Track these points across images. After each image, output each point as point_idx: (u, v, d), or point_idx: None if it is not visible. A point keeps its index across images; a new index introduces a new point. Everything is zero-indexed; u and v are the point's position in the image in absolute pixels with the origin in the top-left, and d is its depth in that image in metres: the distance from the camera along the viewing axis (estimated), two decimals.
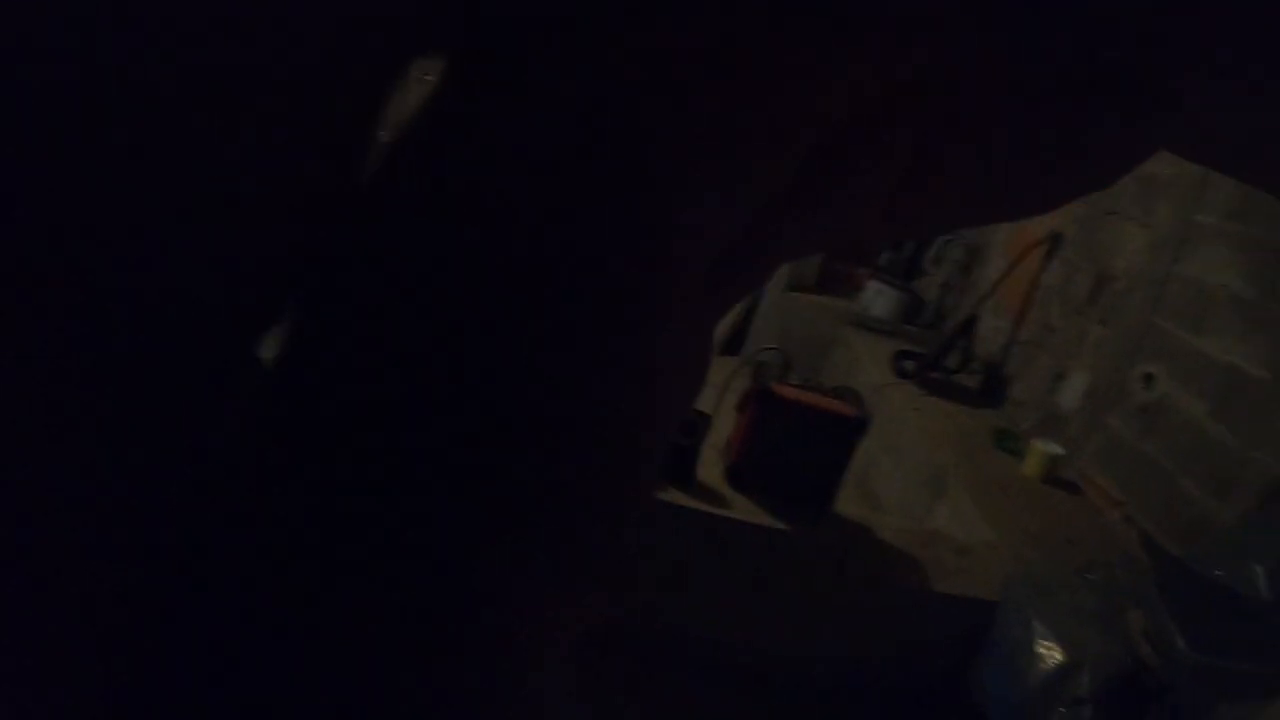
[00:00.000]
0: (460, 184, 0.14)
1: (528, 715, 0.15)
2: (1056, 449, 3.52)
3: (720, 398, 2.51)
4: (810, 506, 2.55)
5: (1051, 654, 2.16)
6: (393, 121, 0.15)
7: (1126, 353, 3.60)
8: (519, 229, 0.14)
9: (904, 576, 2.51)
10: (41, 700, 0.13)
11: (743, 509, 2.46)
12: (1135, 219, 3.76)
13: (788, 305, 5.15)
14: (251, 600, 0.13)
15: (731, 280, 0.17)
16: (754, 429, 2.47)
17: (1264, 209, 3.15)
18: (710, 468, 2.52)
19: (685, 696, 2.29)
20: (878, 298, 5.33)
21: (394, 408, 0.13)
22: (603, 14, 0.14)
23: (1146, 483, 3.25)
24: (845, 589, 2.47)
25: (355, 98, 0.14)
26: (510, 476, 0.14)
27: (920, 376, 4.36)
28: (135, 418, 0.13)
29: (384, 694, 0.14)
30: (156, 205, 0.12)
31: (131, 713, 0.13)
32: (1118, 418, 3.54)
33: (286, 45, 0.12)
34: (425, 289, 0.13)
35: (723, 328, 4.86)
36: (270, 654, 0.13)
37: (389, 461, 0.13)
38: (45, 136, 0.11)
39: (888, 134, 0.17)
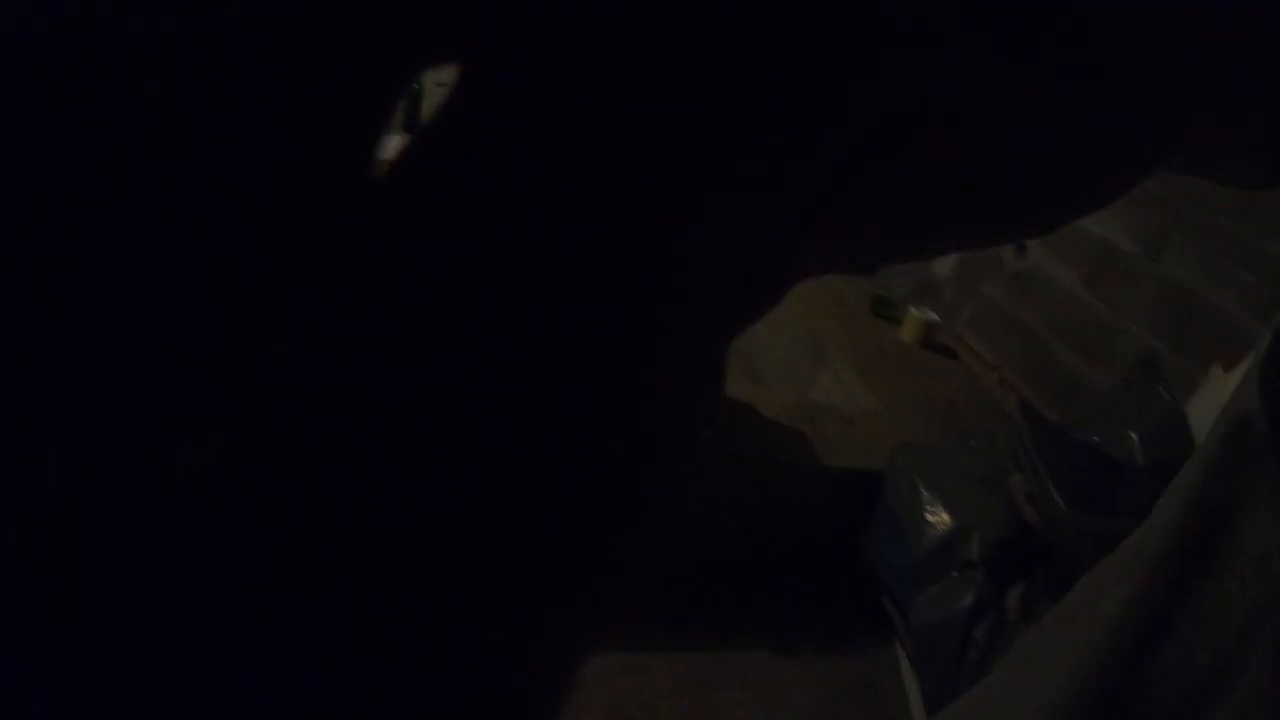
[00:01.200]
0: (467, 192, 0.13)
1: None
2: (933, 315, 3.63)
3: None
4: None
5: (940, 519, 2.26)
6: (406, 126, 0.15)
7: None
8: (525, 241, 0.13)
9: (790, 452, 2.56)
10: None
11: None
12: None
13: None
14: (251, 601, 0.13)
15: (749, 298, 0.17)
16: None
17: None
18: None
19: None
20: None
21: (398, 413, 0.13)
22: (614, 34, 0.13)
23: (1021, 348, 3.39)
24: (733, 469, 2.51)
25: (367, 97, 0.13)
26: (527, 494, 0.14)
27: None
28: (135, 411, 0.12)
29: (395, 695, 0.14)
30: (156, 199, 0.11)
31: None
32: (991, 285, 3.66)
33: (298, 40, 0.12)
34: (428, 295, 0.13)
35: None
36: (270, 654, 0.13)
37: (398, 466, 0.13)
38: (39, 121, 0.11)
39: (897, 156, 0.17)
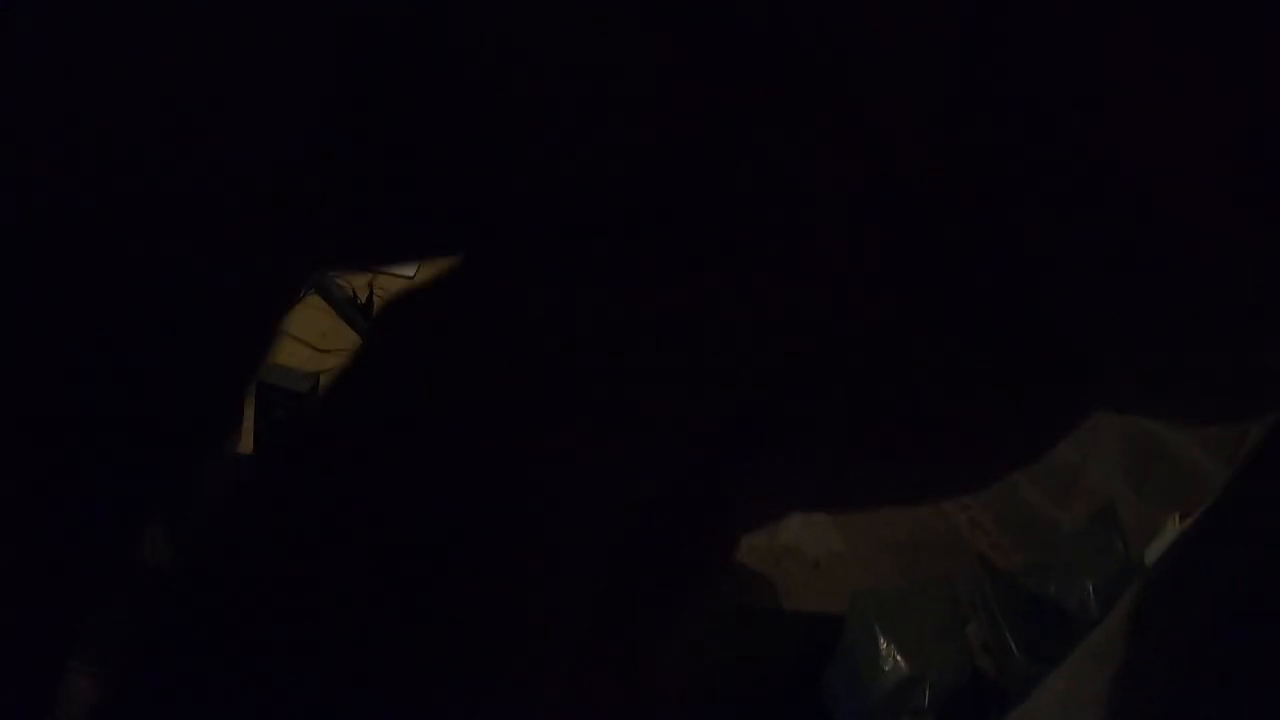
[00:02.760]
0: None
1: None
2: None
3: None
4: None
5: (895, 666, 2.25)
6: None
7: None
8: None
9: (755, 595, 2.55)
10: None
11: None
12: None
13: None
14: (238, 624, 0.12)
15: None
16: None
17: None
18: None
19: None
20: None
21: (397, 428, 0.12)
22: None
23: (991, 489, 3.36)
24: None
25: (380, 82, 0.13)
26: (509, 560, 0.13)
27: None
28: (135, 412, 0.12)
29: None
30: (159, 192, 0.11)
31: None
32: None
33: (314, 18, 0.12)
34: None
35: None
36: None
37: (399, 485, 0.12)
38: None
39: (827, 399, 0.17)
